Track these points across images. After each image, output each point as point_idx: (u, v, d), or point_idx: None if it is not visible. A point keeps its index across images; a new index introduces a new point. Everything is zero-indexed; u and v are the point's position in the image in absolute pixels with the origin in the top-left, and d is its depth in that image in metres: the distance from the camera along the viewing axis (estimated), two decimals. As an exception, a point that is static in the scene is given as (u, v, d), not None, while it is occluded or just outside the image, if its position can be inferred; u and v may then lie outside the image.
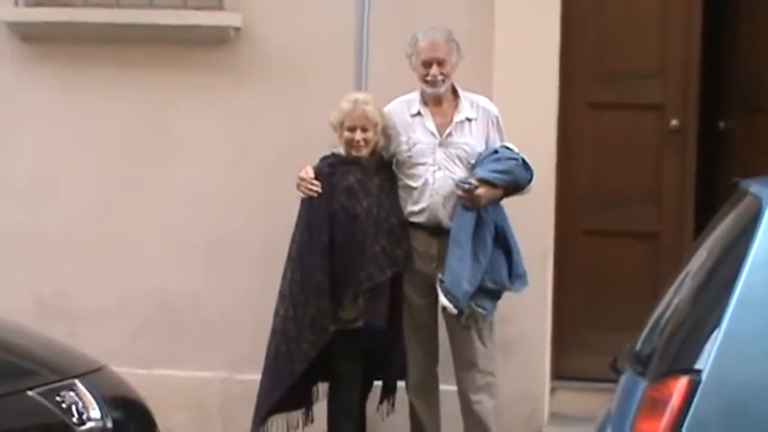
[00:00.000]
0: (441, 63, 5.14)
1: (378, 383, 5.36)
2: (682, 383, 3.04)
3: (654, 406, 3.09)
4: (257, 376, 5.24)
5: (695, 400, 3.02)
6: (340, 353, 5.09)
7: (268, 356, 5.11)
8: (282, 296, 5.09)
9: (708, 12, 6.05)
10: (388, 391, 5.35)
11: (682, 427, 3.01)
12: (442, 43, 5.17)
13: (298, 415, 5.26)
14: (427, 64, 5.14)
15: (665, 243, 5.96)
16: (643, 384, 3.19)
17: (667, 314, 3.44)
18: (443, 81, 5.16)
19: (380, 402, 5.37)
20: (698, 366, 3.05)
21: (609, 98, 6.00)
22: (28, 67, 6.25)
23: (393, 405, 5.36)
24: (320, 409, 5.27)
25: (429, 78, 5.15)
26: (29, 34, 6.25)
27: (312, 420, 5.29)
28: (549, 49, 5.81)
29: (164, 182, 6.18)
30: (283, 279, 5.11)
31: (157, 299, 6.17)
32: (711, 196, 5.98)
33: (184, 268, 6.15)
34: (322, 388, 5.25)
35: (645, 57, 5.98)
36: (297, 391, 5.15)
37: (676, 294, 3.49)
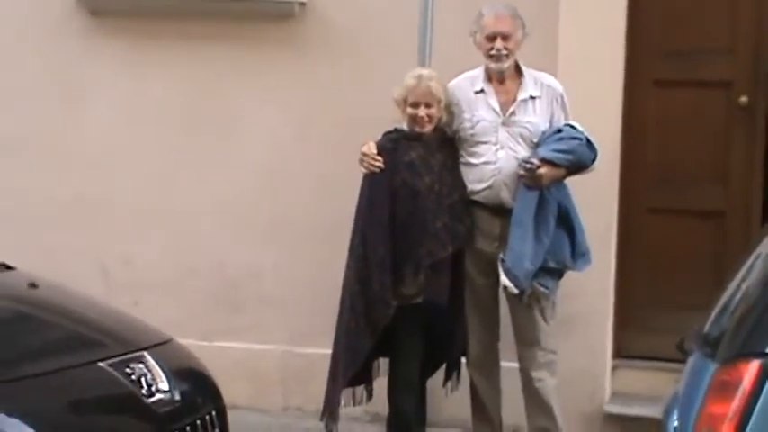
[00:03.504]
0: (505, 37, 5.10)
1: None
2: (753, 367, 3.01)
3: (724, 389, 3.05)
4: (316, 350, 5.25)
5: (767, 383, 2.98)
6: (400, 328, 5.08)
7: (338, 332, 5.11)
8: (349, 272, 5.10)
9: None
10: (452, 367, 5.34)
11: (753, 410, 2.98)
12: (507, 18, 5.13)
13: (358, 390, 5.26)
14: (491, 38, 5.10)
15: (731, 222, 5.87)
16: (713, 367, 3.16)
17: (737, 297, 3.40)
18: (507, 56, 5.11)
19: (446, 380, 5.36)
20: (769, 350, 3.02)
21: (676, 75, 5.92)
22: (95, 40, 6.32)
23: (459, 380, 5.35)
24: (380, 385, 5.28)
25: (493, 53, 5.10)
26: (96, 8, 6.30)
27: (371, 396, 5.30)
28: (615, 26, 5.75)
29: (227, 156, 6.21)
30: (349, 254, 5.11)
31: (219, 272, 6.22)
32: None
33: (246, 242, 6.19)
34: (383, 363, 5.26)
35: (714, 33, 5.88)
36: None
37: (747, 277, 3.44)
